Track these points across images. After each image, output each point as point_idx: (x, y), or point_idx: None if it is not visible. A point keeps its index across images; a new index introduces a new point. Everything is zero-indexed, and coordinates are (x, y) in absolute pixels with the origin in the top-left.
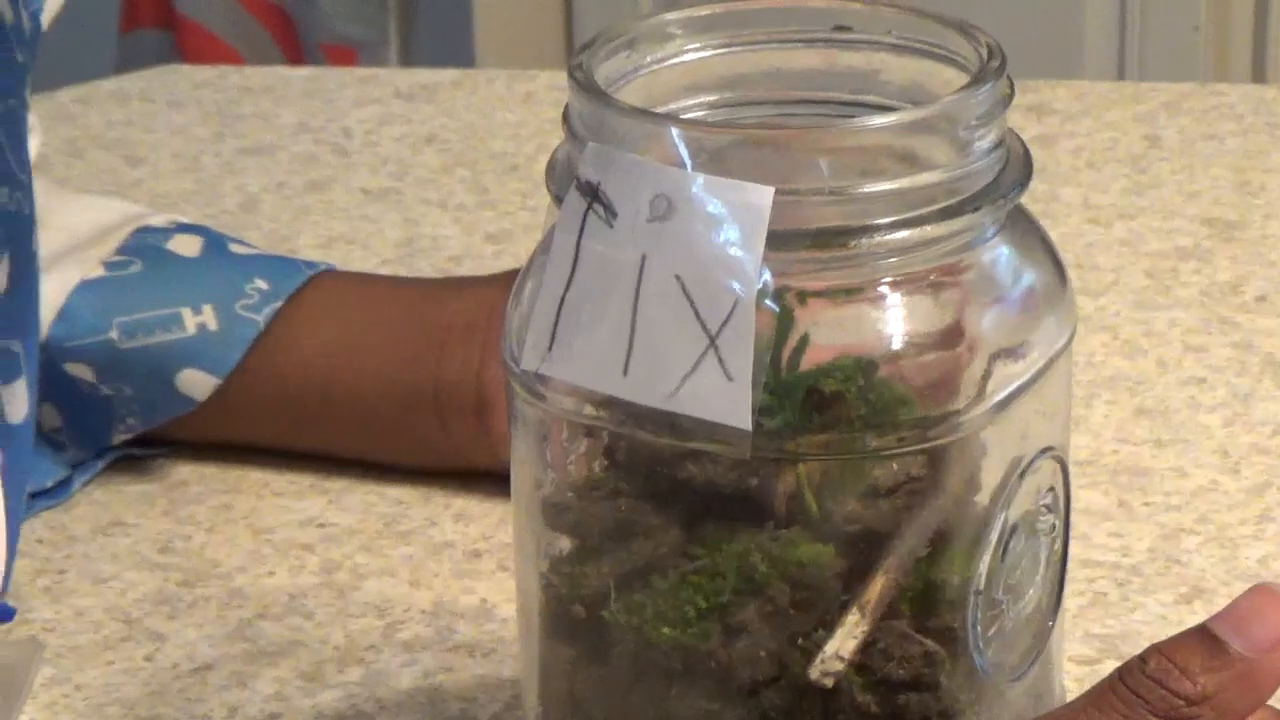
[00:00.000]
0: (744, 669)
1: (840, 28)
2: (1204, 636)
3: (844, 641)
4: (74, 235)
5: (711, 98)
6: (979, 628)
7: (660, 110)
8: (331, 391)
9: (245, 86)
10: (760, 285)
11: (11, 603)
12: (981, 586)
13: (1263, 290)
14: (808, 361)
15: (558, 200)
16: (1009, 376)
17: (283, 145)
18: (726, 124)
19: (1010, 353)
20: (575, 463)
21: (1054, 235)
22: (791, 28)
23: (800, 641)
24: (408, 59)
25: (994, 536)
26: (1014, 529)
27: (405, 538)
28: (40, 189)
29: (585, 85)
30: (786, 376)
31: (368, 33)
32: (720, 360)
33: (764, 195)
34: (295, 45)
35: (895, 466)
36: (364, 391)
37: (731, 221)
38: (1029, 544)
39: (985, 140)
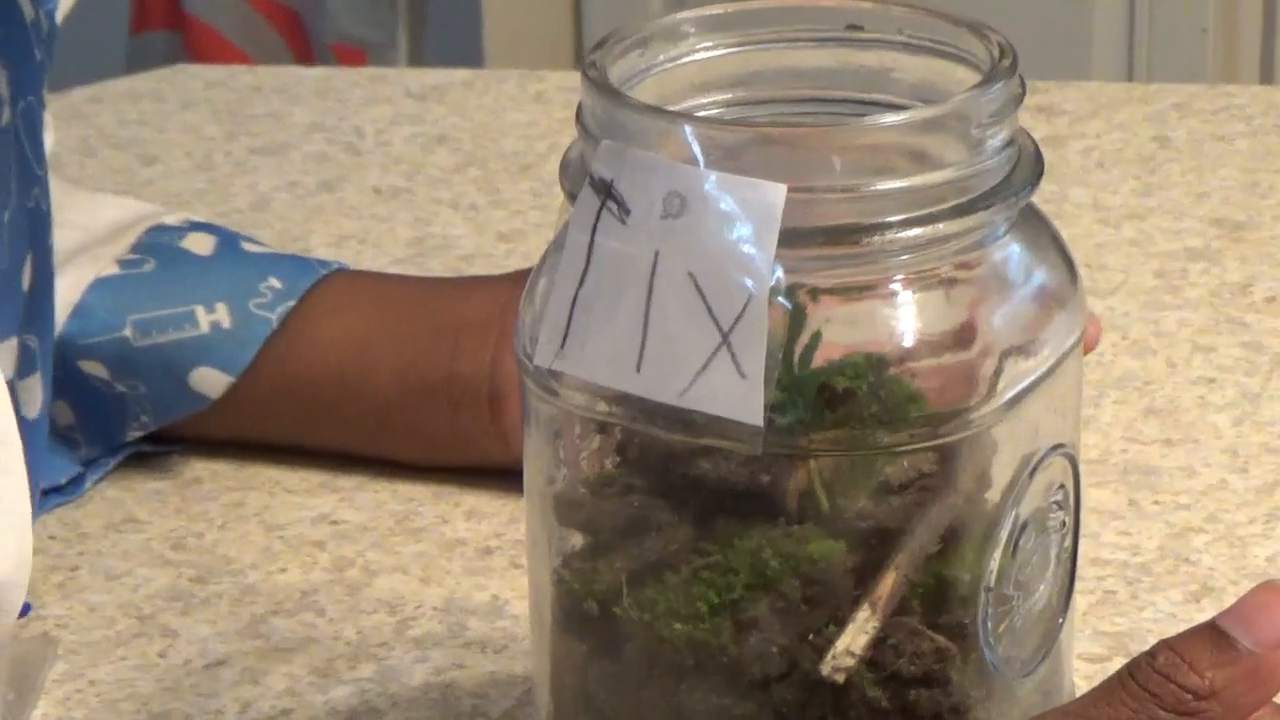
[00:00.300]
0: (755, 664)
1: (852, 27)
2: (1212, 632)
3: (855, 637)
4: (88, 233)
5: (724, 96)
6: (990, 624)
7: (673, 109)
8: (344, 387)
9: (257, 86)
10: (773, 282)
11: (25, 598)
12: (992, 583)
13: (1272, 291)
14: (819, 358)
15: (571, 198)
16: (1020, 374)
17: (294, 144)
18: (739, 122)
19: (1021, 350)
20: (588, 459)
21: (1064, 235)
22: (803, 27)
23: (811, 637)
24: (417, 60)
25: (1005, 533)
26: (1025, 526)
27: (417, 535)
28: (54, 187)
29: (599, 83)
30: (798, 373)
31: (377, 34)
32: (733, 357)
33: (777, 192)
34: (305, 46)
35: (906, 463)
36: (377, 386)
37: (744, 219)
38: (1039, 541)
39: (997, 139)
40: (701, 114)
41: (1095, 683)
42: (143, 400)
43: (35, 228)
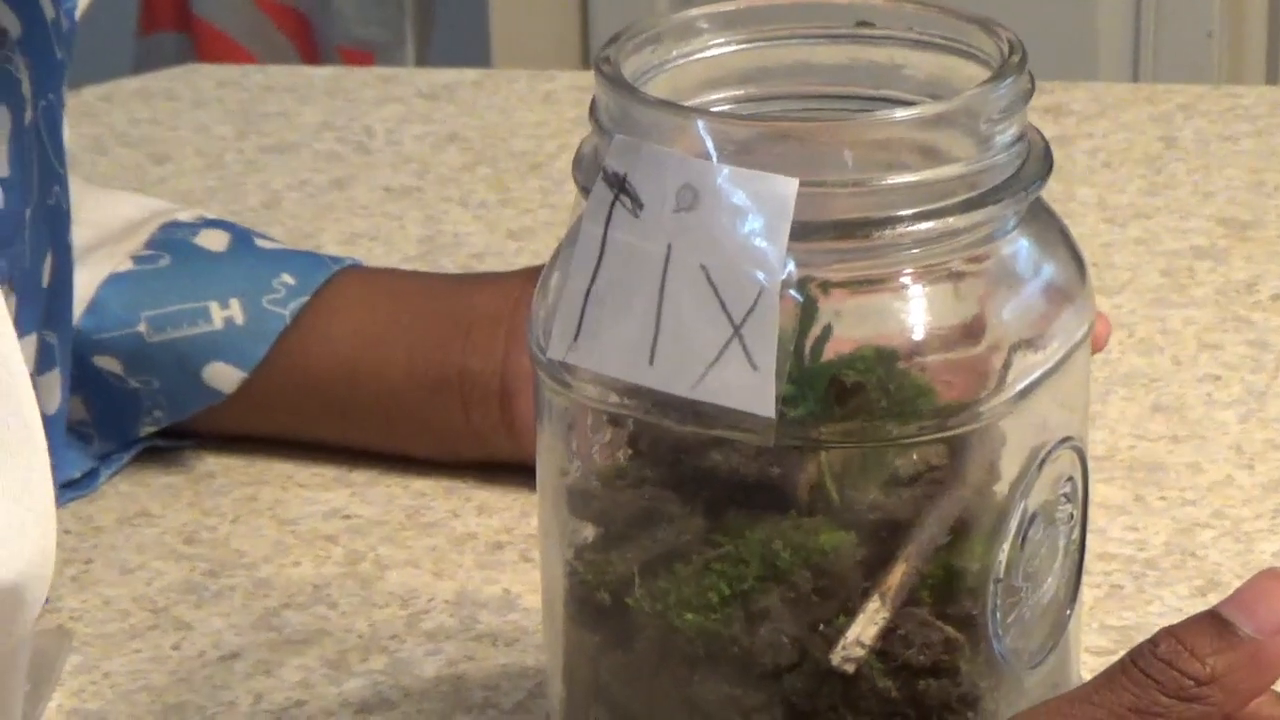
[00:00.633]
0: (766, 654)
1: (862, 23)
2: (1213, 619)
3: (865, 628)
4: (102, 230)
5: (735, 92)
6: (998, 615)
7: (686, 104)
8: (356, 382)
9: (267, 85)
10: (784, 275)
11: None
12: (1001, 574)
13: (1277, 289)
14: (830, 351)
15: (585, 192)
16: (1029, 367)
17: (305, 143)
18: (751, 116)
19: (1030, 343)
20: (600, 452)
21: None
22: (814, 24)
23: (822, 628)
24: (424, 61)
25: (1014, 525)
26: (1033, 518)
27: (428, 530)
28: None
29: (613, 78)
30: (809, 366)
31: (384, 35)
32: (745, 349)
33: (789, 186)
34: (312, 48)
35: (916, 456)
36: (388, 381)
37: (756, 212)
38: (1048, 533)
39: (1006, 134)
40: (714, 109)
41: None
42: (156, 395)
43: (55, 225)
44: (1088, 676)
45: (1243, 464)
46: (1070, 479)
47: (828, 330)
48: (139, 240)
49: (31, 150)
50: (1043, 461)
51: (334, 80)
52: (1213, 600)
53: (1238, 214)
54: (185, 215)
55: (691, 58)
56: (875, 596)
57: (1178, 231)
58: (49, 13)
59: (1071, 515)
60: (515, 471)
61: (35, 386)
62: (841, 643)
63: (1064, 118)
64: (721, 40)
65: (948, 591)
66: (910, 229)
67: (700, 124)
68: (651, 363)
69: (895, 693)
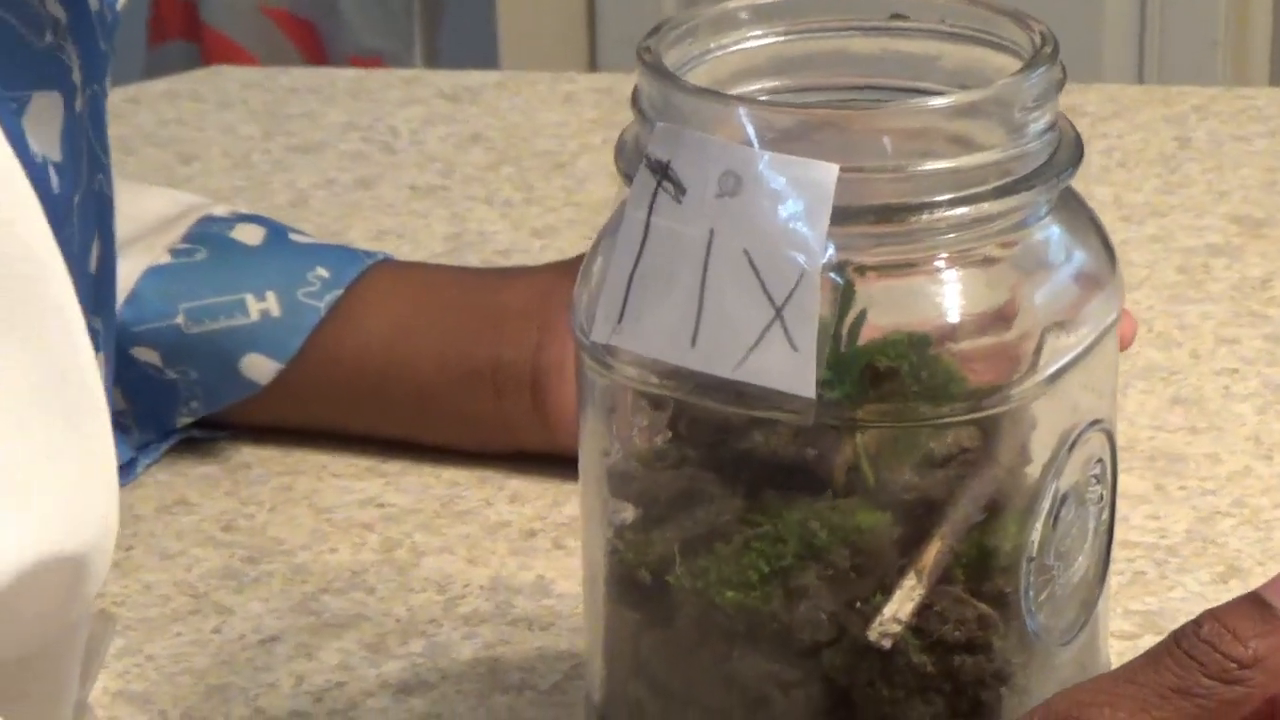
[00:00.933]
0: (805, 631)
1: (896, 16)
2: (1256, 602)
3: (901, 605)
4: (139, 224)
5: (772, 83)
6: (1031, 593)
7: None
8: (390, 373)
9: (291, 87)
10: (824, 259)
11: None
12: (1034, 553)
13: None
14: (867, 334)
15: (627, 179)
16: (1060, 350)
17: (331, 143)
18: (791, 104)
19: (1061, 327)
20: (640, 434)
21: None
22: (849, 16)
23: (859, 605)
24: (432, 69)
25: (1046, 505)
26: (1065, 498)
27: (462, 518)
28: None
29: (655, 67)
30: (844, 350)
31: (393, 44)
32: (785, 331)
33: (829, 172)
34: (321, 57)
35: (949, 438)
36: (421, 373)
37: (797, 197)
38: (1079, 513)
39: (1039, 122)
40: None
41: (1127, 659)
42: (193, 386)
43: (101, 212)
44: (1114, 660)
45: (1261, 454)
46: (1100, 460)
47: (863, 315)
48: (176, 234)
49: (82, 138)
50: (1073, 443)
51: (357, 82)
52: (1235, 586)
53: (1252, 212)
54: (220, 210)
55: (729, 49)
56: (911, 574)
57: (1193, 229)
58: (94, 4)
59: (1101, 496)
60: (547, 461)
61: None
62: (878, 619)
63: (1079, 119)
64: (759, 32)
65: (982, 570)
66: (946, 214)
67: (742, 111)
68: (694, 345)
69: (930, 668)
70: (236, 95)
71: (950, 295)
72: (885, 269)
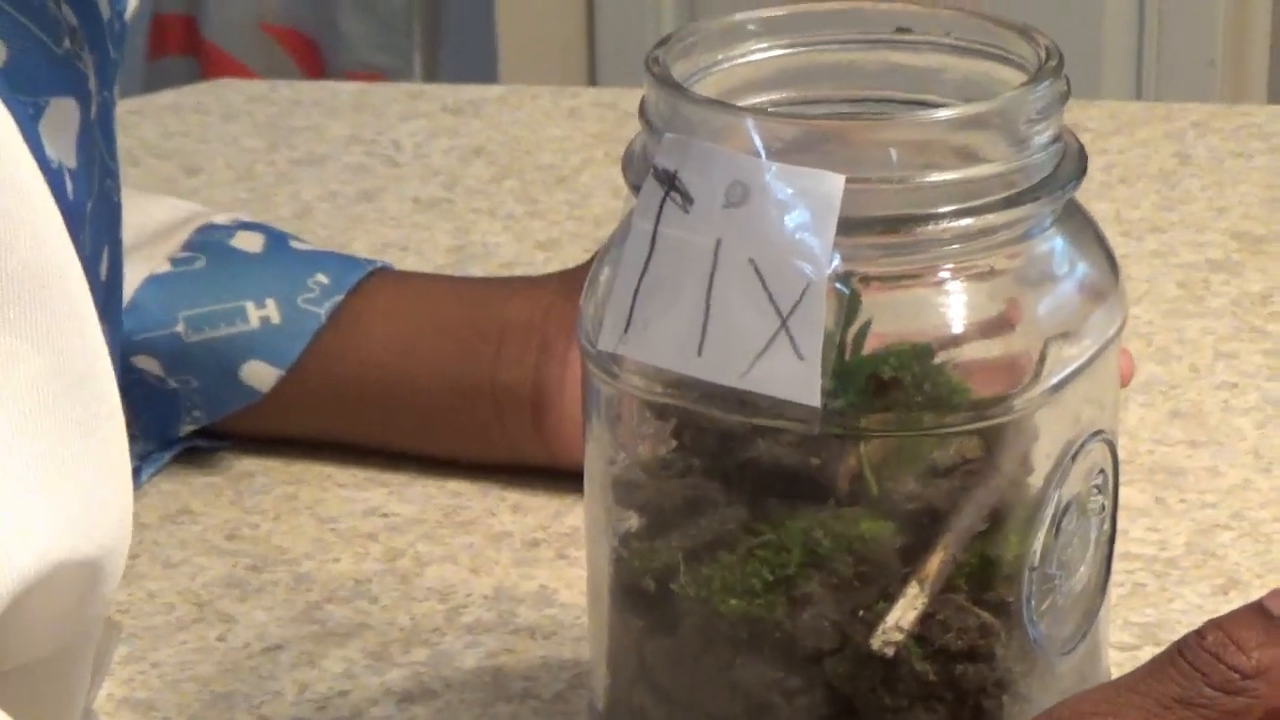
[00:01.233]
0: (808, 639)
1: (901, 29)
2: (1259, 613)
3: (904, 613)
4: (140, 232)
5: (779, 95)
6: (1033, 602)
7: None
8: (389, 389)
9: (295, 100)
10: (830, 269)
11: None
12: (1036, 563)
13: None
14: (872, 344)
15: (635, 189)
16: (1063, 360)
17: (334, 156)
18: (798, 115)
19: (1064, 338)
20: (646, 443)
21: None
22: (855, 30)
23: (862, 613)
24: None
25: (1048, 515)
26: (1067, 508)
27: (465, 528)
28: None
29: (663, 78)
30: (848, 361)
31: (392, 60)
32: (791, 340)
33: (836, 182)
34: (320, 73)
35: (952, 447)
36: (421, 389)
37: (804, 207)
38: (1080, 523)
39: (1044, 135)
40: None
41: (1127, 670)
42: (195, 395)
43: (111, 219)
44: (1113, 670)
45: (1260, 468)
46: (1102, 471)
47: (867, 325)
48: (176, 242)
49: (94, 145)
50: (1075, 454)
51: (360, 95)
52: (1234, 598)
53: (1252, 228)
54: (221, 218)
55: (737, 61)
56: (914, 583)
57: (1193, 245)
58: (105, 11)
59: (1103, 506)
60: (549, 473)
61: None
62: (881, 627)
63: (1079, 134)
64: (766, 44)
65: (984, 579)
66: (951, 225)
67: (749, 122)
68: (700, 353)
69: (933, 676)
70: (241, 108)
71: (954, 306)
72: (890, 279)
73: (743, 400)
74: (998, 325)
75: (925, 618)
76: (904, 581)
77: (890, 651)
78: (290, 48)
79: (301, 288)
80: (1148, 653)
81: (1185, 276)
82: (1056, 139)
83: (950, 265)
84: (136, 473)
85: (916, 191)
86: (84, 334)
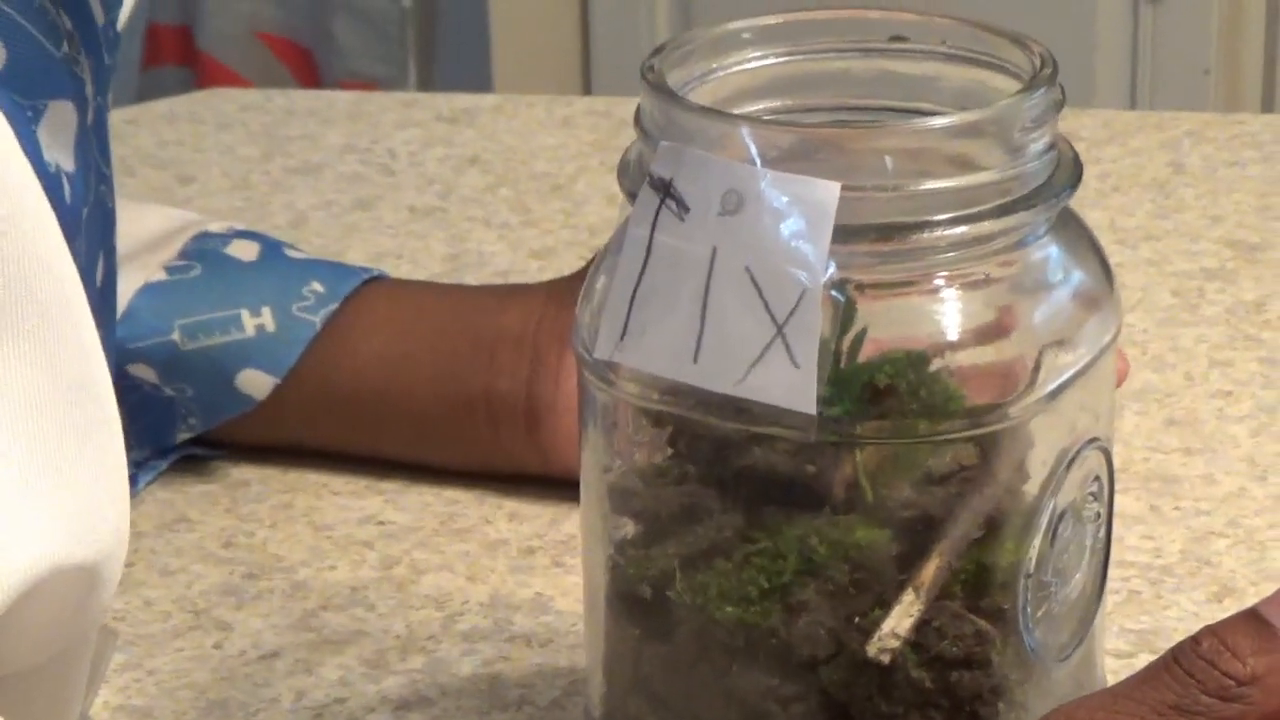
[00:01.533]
0: (804, 646)
1: (896, 38)
2: (1254, 619)
3: (900, 620)
4: (135, 241)
5: (774, 103)
6: (1029, 609)
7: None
8: (384, 399)
9: (290, 109)
10: (825, 277)
11: None
12: (1032, 570)
13: None
14: (867, 351)
15: (631, 197)
16: (1059, 368)
17: (329, 165)
18: (794, 123)
19: (1059, 346)
20: (641, 450)
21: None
22: (850, 38)
23: (858, 620)
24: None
25: (1044, 522)
26: (1063, 515)
27: (461, 535)
28: None
29: (658, 87)
30: (844, 368)
31: (386, 70)
32: (787, 348)
33: (831, 190)
34: (314, 82)
35: (948, 455)
36: (416, 399)
37: (799, 215)
38: (1076, 530)
39: (1039, 143)
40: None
41: (1122, 677)
42: (190, 403)
43: (105, 226)
44: (1109, 678)
45: (1255, 476)
46: (1097, 478)
47: (863, 333)
48: (171, 250)
49: (90, 150)
50: (1071, 461)
51: (355, 104)
52: (1229, 605)
53: (1246, 237)
54: (216, 226)
55: (732, 69)
56: (910, 590)
57: (1187, 253)
58: (99, 17)
59: (1098, 514)
60: (545, 481)
61: None
62: (877, 634)
63: (1074, 143)
64: (761, 53)
65: (980, 586)
66: (946, 233)
67: (744, 130)
68: (695, 361)
69: (929, 683)
70: (235, 117)
71: (949, 313)
72: (885, 287)
73: (738, 408)
74: (993, 333)
75: (921, 625)
76: (900, 589)
77: (886, 659)
78: (285, 57)
79: (297, 296)
80: (1143, 660)
81: (1180, 285)
82: (1051, 147)
83: (945, 273)
84: (133, 480)
85: (911, 199)
86: (80, 339)
